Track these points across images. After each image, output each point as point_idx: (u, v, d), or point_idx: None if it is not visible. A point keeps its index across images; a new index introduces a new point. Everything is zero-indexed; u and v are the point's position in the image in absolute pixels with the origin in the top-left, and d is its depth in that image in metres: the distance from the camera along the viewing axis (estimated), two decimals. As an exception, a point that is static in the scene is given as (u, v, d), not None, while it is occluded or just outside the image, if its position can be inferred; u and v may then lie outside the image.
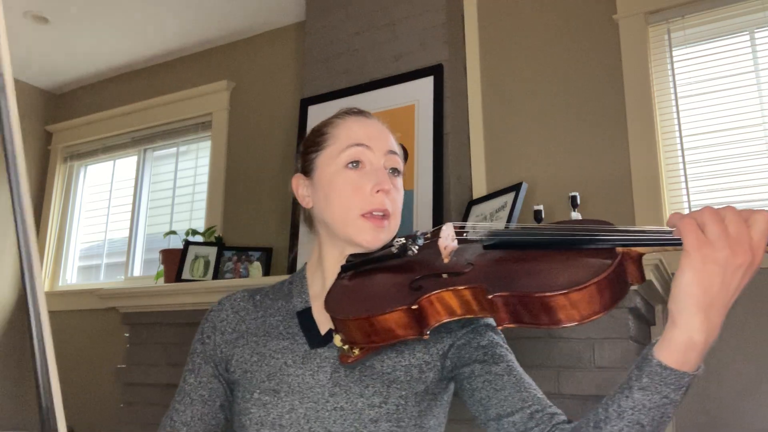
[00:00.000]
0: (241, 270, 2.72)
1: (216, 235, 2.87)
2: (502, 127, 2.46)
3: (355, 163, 0.97)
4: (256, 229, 3.00)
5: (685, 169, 2.14)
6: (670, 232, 0.68)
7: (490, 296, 0.70)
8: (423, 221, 2.27)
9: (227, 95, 3.29)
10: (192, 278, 2.69)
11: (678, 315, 0.66)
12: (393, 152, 1.01)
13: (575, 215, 2.04)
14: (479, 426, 0.90)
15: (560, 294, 0.66)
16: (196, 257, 2.74)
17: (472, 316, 0.76)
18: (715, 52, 2.19)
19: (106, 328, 3.30)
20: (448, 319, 0.77)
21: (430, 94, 2.39)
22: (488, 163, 2.45)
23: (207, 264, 2.73)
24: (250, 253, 2.75)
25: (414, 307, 0.74)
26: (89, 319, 3.38)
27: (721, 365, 1.95)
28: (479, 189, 2.42)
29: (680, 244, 0.66)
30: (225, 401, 1.00)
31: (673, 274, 1.99)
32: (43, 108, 3.94)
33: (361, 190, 0.95)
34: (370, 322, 0.78)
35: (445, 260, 0.83)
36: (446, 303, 0.75)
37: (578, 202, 2.07)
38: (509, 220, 2.11)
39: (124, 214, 3.58)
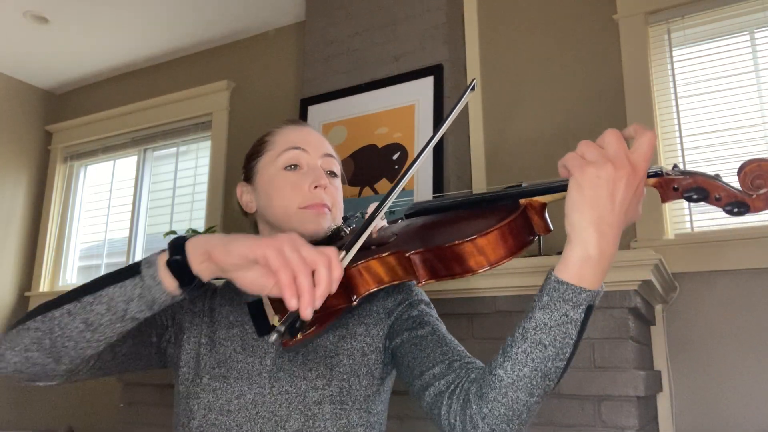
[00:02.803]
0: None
1: (216, 235, 2.87)
2: (502, 127, 2.46)
3: (293, 166, 1.02)
4: (256, 229, 3.00)
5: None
6: (564, 181, 0.73)
7: (408, 254, 0.76)
8: (423, 221, 2.27)
9: (227, 95, 3.29)
10: (192, 278, 2.69)
11: (572, 232, 0.70)
12: (329, 155, 1.06)
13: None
14: (410, 394, 0.92)
15: (467, 241, 0.71)
16: (196, 257, 2.74)
17: (398, 281, 0.80)
18: (715, 52, 2.19)
19: (106, 328, 3.30)
20: (377, 287, 0.81)
21: (430, 94, 2.39)
22: (488, 163, 2.45)
23: (207, 264, 2.73)
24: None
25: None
26: (89, 319, 3.38)
27: (720, 365, 1.95)
28: (479, 189, 2.42)
29: None
30: (158, 339, 1.00)
31: (673, 274, 1.99)
32: (43, 108, 3.94)
33: (300, 187, 1.00)
34: None
35: (374, 236, 0.88)
36: (373, 271, 0.80)
37: (578, 202, 2.07)
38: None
39: (124, 214, 3.58)
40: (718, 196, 0.66)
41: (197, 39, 3.37)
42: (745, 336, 1.93)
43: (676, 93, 2.20)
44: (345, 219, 1.01)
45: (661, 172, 0.70)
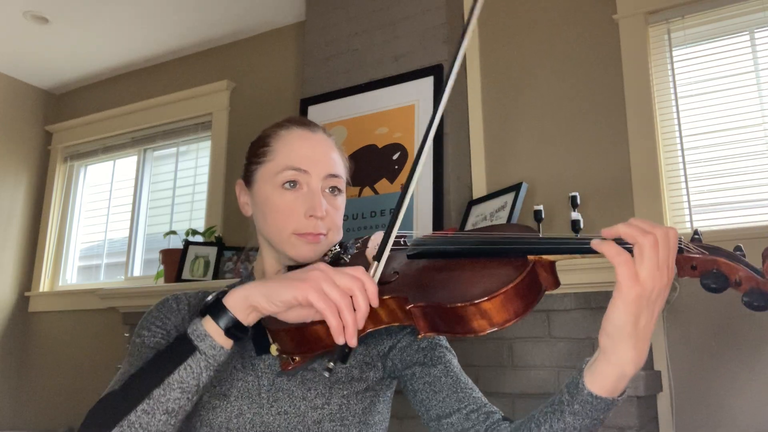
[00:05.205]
0: (241, 270, 2.72)
1: (216, 235, 2.87)
2: (502, 127, 2.46)
3: (292, 183, 0.96)
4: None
5: (685, 169, 2.14)
6: (579, 242, 0.70)
7: (408, 306, 0.74)
8: (423, 222, 2.27)
9: (227, 95, 3.29)
10: (192, 278, 2.69)
11: (611, 351, 0.68)
12: (333, 176, 0.99)
13: (575, 215, 2.04)
14: (422, 425, 0.94)
15: (471, 304, 0.69)
16: (196, 257, 2.74)
17: (397, 323, 0.78)
18: (715, 52, 2.19)
19: (106, 328, 3.30)
20: (374, 328, 0.79)
21: (430, 94, 2.39)
22: (488, 163, 2.45)
23: (207, 264, 2.73)
24: (250, 252, 2.75)
25: None
26: (89, 319, 3.38)
27: (720, 365, 1.95)
28: (479, 189, 2.42)
29: (586, 252, 0.68)
30: None
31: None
32: (43, 108, 3.94)
33: (294, 212, 0.95)
34: (300, 332, 0.80)
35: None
36: (373, 312, 0.77)
37: (578, 202, 2.07)
38: (509, 220, 2.11)
39: (124, 214, 3.58)
40: (738, 280, 0.63)
41: (197, 39, 3.37)
42: (744, 336, 1.93)
43: (676, 93, 2.20)
44: (345, 249, 0.96)
45: (681, 248, 0.67)
